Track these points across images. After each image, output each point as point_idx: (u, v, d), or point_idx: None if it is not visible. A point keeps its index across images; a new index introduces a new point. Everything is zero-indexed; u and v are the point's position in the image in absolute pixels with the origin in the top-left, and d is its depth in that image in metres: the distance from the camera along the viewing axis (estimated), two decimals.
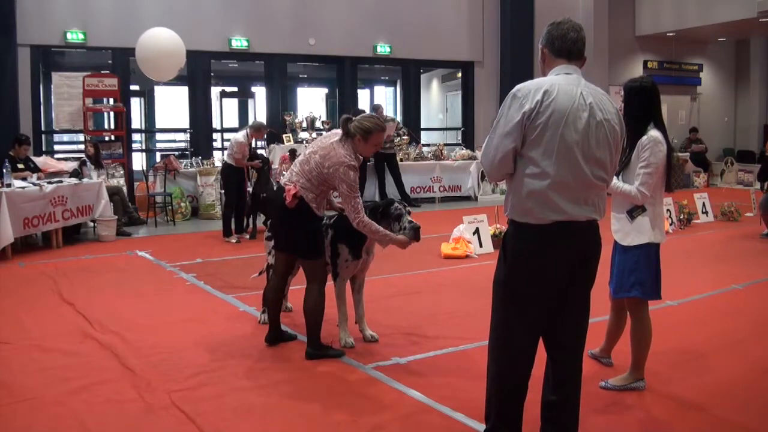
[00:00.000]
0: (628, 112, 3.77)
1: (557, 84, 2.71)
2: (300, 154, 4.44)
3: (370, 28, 13.85)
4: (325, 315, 4.43)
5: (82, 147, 11.12)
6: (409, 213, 4.46)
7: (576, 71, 2.80)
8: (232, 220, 9.00)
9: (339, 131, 4.29)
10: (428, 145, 14.20)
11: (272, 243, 4.94)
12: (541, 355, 2.94)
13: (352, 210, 4.16)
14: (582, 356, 2.98)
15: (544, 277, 2.77)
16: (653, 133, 3.66)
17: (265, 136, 10.65)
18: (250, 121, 15.55)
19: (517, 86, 2.74)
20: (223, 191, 9.82)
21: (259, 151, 13.08)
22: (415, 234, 4.31)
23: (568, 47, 2.81)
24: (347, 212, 4.21)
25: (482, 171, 12.29)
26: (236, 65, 15.54)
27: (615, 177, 3.73)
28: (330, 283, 4.58)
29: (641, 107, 3.73)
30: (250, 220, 9.22)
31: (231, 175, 8.93)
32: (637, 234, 3.71)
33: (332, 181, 4.16)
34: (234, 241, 8.74)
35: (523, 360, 2.88)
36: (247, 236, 9.02)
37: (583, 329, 2.94)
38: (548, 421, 2.95)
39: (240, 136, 8.78)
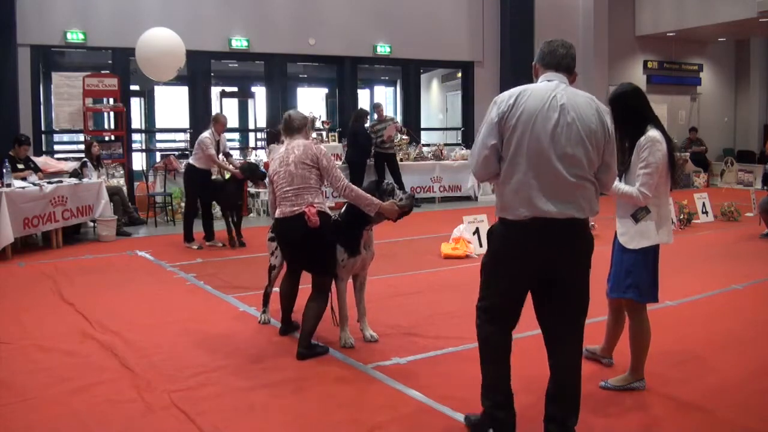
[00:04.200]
0: (618, 120, 3.78)
1: (531, 89, 2.99)
2: (276, 180, 4.44)
3: (370, 28, 13.86)
4: (325, 315, 4.45)
5: (82, 147, 11.10)
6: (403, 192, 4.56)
7: (559, 78, 3.04)
8: (202, 225, 8.49)
9: (278, 147, 4.58)
10: (428, 145, 14.19)
11: (275, 244, 4.96)
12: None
13: (336, 179, 4.34)
14: (578, 348, 3.07)
15: (518, 268, 2.98)
16: (651, 133, 3.66)
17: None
18: (251, 121, 15.67)
19: (498, 95, 3.06)
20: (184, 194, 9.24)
21: (260, 152, 13.15)
22: (409, 201, 4.45)
23: (557, 60, 3.07)
24: (332, 183, 4.35)
25: None
26: (236, 65, 15.53)
27: (618, 179, 3.74)
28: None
29: (628, 111, 3.73)
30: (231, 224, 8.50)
31: (193, 177, 8.37)
32: (641, 238, 3.69)
33: (318, 164, 4.33)
34: (195, 247, 8.26)
35: (494, 345, 3.10)
36: (220, 244, 8.42)
37: (575, 321, 3.05)
38: (549, 410, 3.06)
39: (205, 133, 8.32)
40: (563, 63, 3.06)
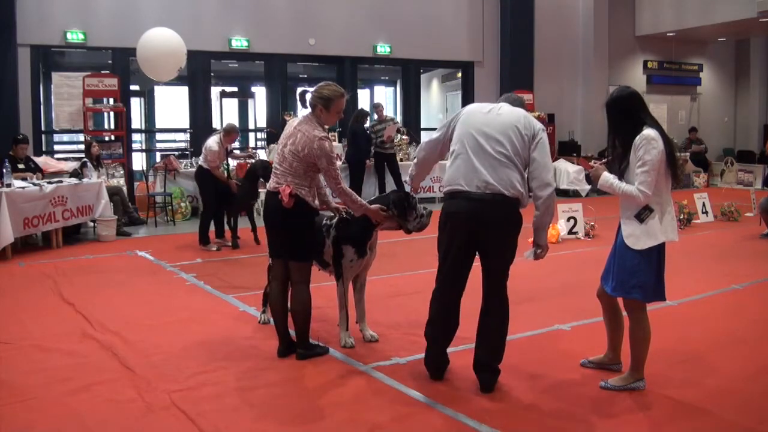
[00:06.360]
0: (615, 123, 3.80)
1: (476, 103, 4.01)
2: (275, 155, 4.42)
3: (370, 28, 13.86)
4: (325, 315, 4.43)
5: (82, 147, 11.10)
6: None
7: (506, 105, 3.90)
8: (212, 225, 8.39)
9: (297, 119, 4.33)
10: None
11: None
12: None
13: (333, 180, 4.22)
14: (502, 284, 3.83)
15: (457, 225, 3.76)
16: (646, 131, 3.66)
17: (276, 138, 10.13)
18: (251, 121, 15.67)
19: None
20: (199, 196, 9.21)
21: (260, 152, 13.13)
22: (428, 220, 4.61)
23: (510, 101, 4.03)
24: (327, 182, 4.26)
25: None
26: (236, 65, 15.54)
27: (618, 179, 3.73)
28: (332, 284, 4.58)
29: (624, 114, 3.74)
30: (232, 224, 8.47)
31: (206, 178, 8.24)
32: (647, 238, 3.68)
33: (314, 161, 4.18)
34: (214, 248, 8.17)
35: (444, 292, 3.87)
36: (229, 244, 8.37)
37: (500, 282, 3.84)
38: (479, 355, 3.80)
39: (212, 143, 8.10)
40: (514, 104, 3.99)
